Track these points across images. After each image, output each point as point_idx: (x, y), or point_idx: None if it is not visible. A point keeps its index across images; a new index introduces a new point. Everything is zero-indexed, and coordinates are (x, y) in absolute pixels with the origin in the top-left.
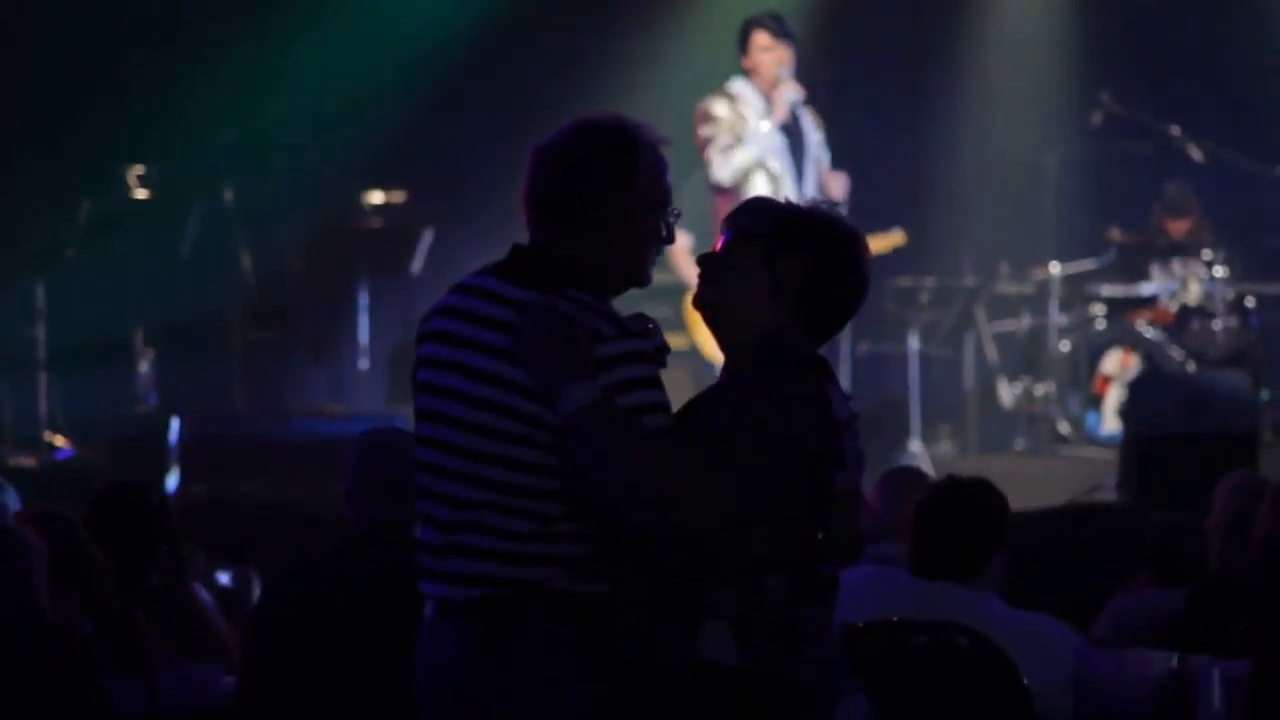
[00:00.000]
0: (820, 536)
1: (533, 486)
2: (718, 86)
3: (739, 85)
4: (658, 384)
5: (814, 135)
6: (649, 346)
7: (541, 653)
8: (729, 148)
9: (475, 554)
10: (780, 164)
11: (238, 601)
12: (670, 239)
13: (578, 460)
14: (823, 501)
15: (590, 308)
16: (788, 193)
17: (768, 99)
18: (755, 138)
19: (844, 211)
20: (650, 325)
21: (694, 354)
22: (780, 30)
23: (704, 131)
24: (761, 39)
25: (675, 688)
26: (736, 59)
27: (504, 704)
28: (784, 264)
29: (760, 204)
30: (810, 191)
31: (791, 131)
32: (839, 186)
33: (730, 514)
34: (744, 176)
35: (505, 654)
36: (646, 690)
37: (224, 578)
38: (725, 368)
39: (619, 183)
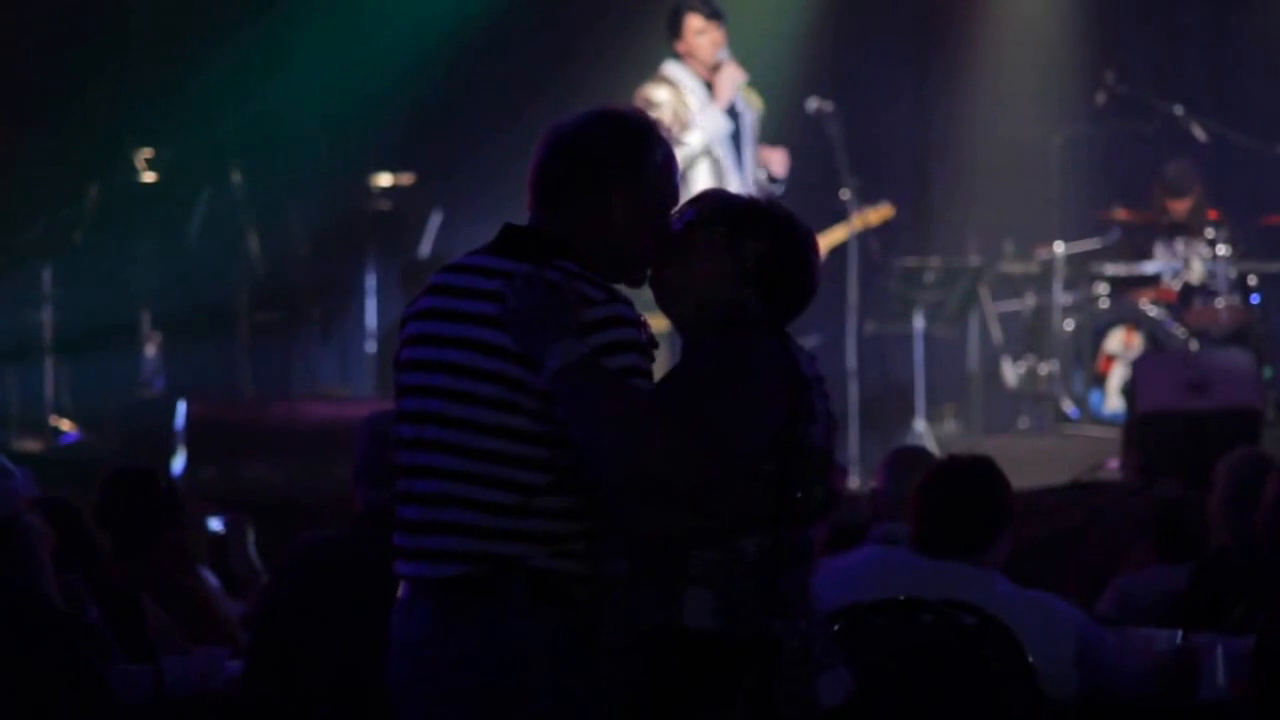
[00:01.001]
0: (798, 495)
1: (517, 454)
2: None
3: (675, 69)
4: (641, 349)
5: (749, 115)
6: (635, 314)
7: (520, 631)
8: (674, 136)
9: (456, 530)
10: (723, 151)
11: (230, 548)
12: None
13: (564, 417)
14: (798, 457)
15: (578, 275)
16: (731, 179)
17: (707, 83)
18: (701, 125)
19: (782, 189)
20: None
21: (673, 335)
22: (712, 11)
23: None
24: (695, 22)
25: (656, 655)
26: (667, 42)
27: (480, 683)
28: (746, 246)
29: (719, 191)
30: (750, 172)
31: (731, 115)
32: (779, 163)
33: (709, 469)
34: (690, 164)
35: (483, 633)
36: (624, 670)
37: (216, 524)
38: (684, 344)
39: (629, 173)
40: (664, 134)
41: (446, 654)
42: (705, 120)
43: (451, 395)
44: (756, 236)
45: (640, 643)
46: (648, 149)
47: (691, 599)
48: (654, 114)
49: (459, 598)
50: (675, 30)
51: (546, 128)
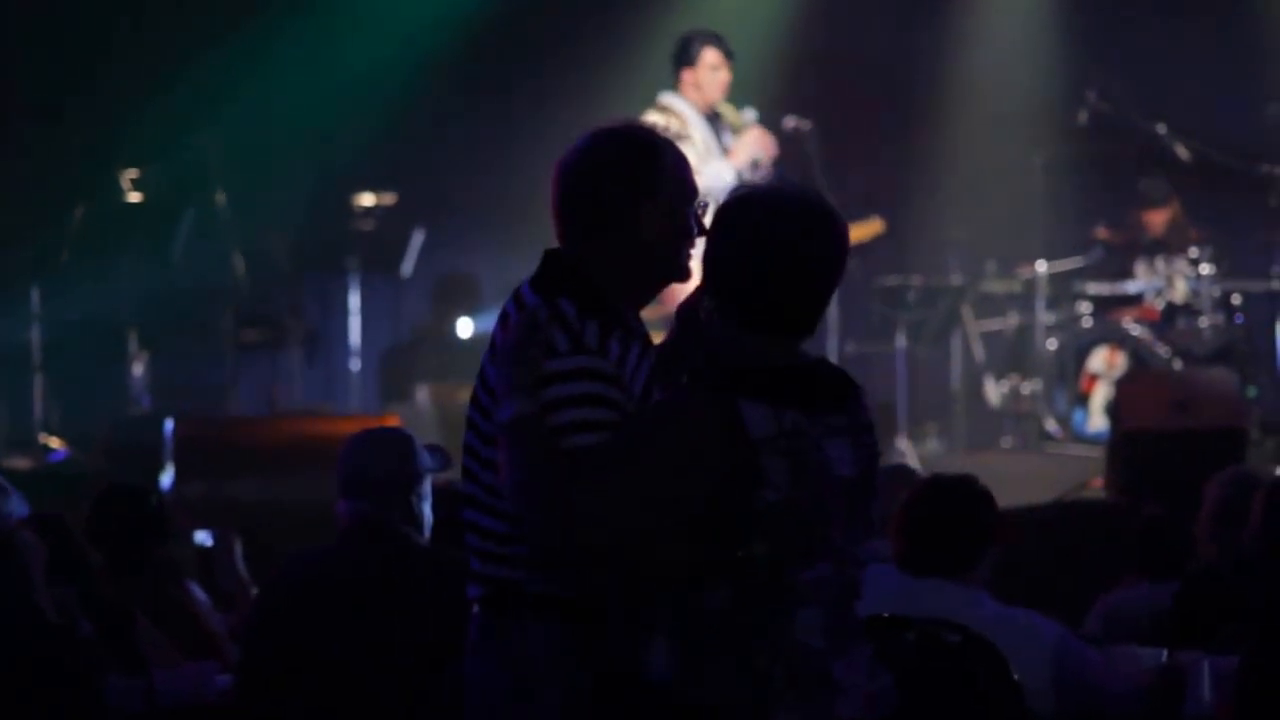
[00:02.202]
0: (740, 554)
1: (502, 486)
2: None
3: (675, 100)
4: (596, 401)
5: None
6: (601, 365)
7: (526, 653)
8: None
9: (473, 552)
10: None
11: (218, 562)
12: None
13: (501, 472)
14: (740, 520)
15: (560, 319)
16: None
17: (707, 117)
18: (703, 172)
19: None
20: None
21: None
22: (729, 51)
23: None
24: (712, 57)
25: (617, 703)
26: (671, 71)
27: (496, 699)
28: (709, 250)
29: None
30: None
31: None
32: (757, 147)
33: (623, 532)
34: None
35: (500, 650)
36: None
37: (204, 537)
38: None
39: (646, 185)
40: (665, 135)
41: (475, 667)
42: (708, 170)
43: (469, 425)
44: (720, 238)
45: (609, 687)
46: (657, 156)
47: (653, 650)
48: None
49: (484, 619)
50: (689, 59)
51: (554, 166)
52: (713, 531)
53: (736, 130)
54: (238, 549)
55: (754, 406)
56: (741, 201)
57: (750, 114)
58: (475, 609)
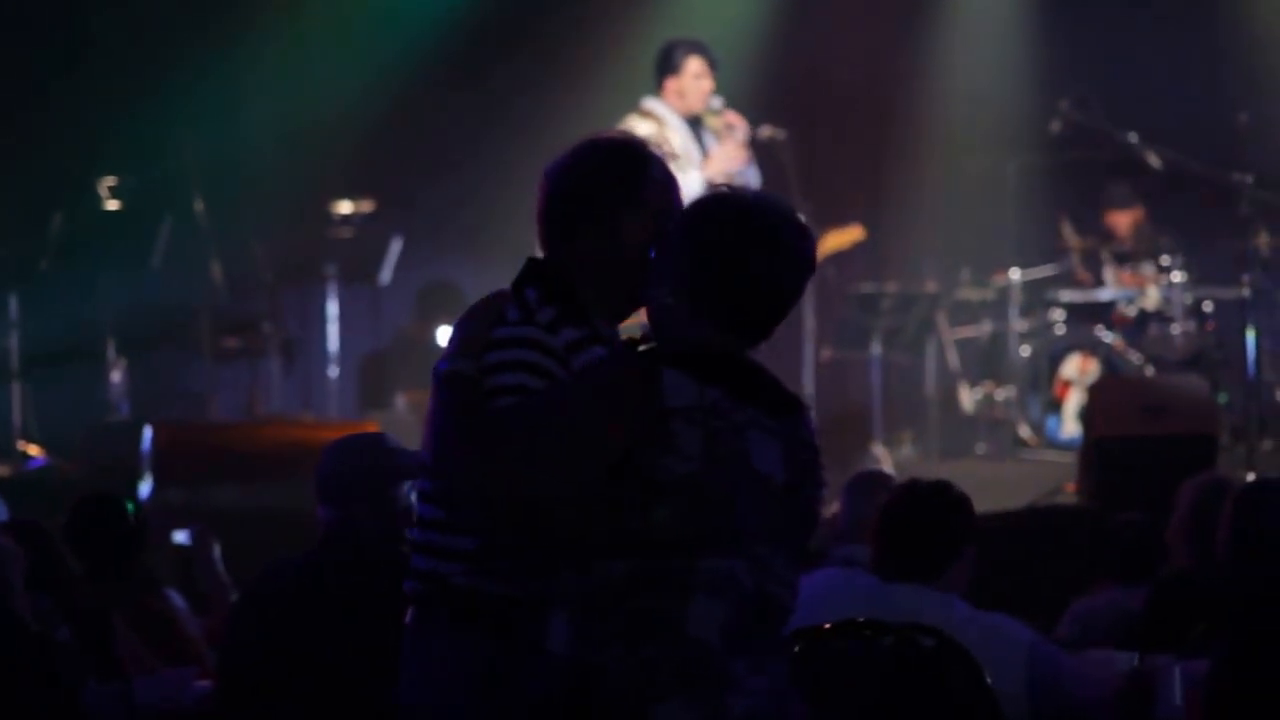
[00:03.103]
0: (641, 525)
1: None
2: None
3: (657, 105)
4: (533, 369)
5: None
6: (546, 339)
7: (444, 649)
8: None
9: (414, 546)
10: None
11: (196, 560)
12: None
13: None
14: (644, 486)
15: (519, 299)
16: None
17: (689, 122)
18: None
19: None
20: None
21: None
22: (713, 60)
23: None
24: (696, 65)
25: (542, 683)
26: (654, 77)
27: (419, 696)
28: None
29: None
30: None
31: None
32: (741, 159)
33: (539, 482)
34: None
35: (421, 647)
36: (528, 696)
37: (181, 536)
38: None
39: (631, 193)
40: (655, 150)
41: (408, 662)
42: (682, 180)
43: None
44: (681, 237)
45: (536, 670)
46: (643, 167)
47: (553, 623)
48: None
49: (416, 616)
50: (672, 67)
51: (541, 173)
52: (617, 496)
53: (717, 134)
54: (216, 549)
55: (677, 374)
56: (709, 204)
57: (718, 101)
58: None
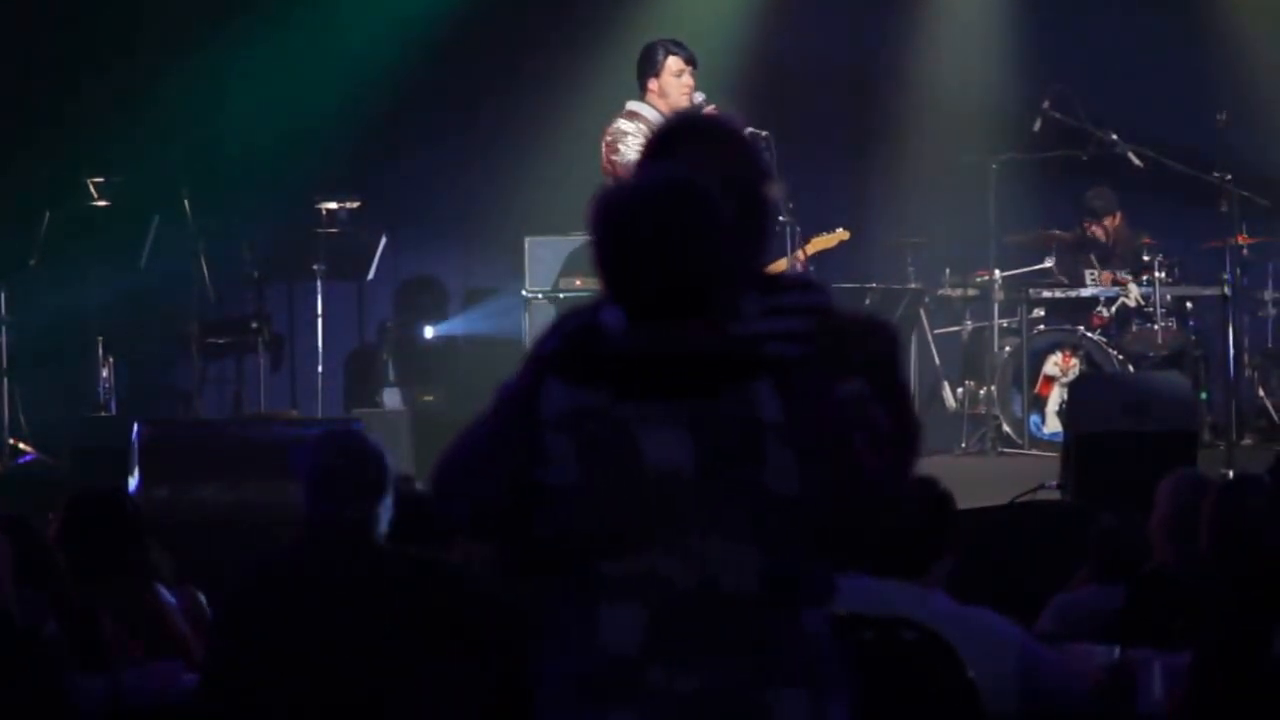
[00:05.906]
0: (533, 538)
1: None
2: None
3: (642, 107)
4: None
5: None
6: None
7: None
8: None
9: None
10: None
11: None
12: None
13: None
14: (528, 499)
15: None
16: None
17: None
18: None
19: None
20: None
21: None
22: (690, 57)
23: (616, 157)
24: (675, 64)
25: None
26: (637, 80)
27: None
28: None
29: None
30: None
31: None
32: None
33: (470, 502)
34: None
35: None
36: None
37: None
38: None
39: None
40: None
41: None
42: None
43: None
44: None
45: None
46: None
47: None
48: (625, 142)
49: None
50: (652, 68)
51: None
52: (514, 511)
53: None
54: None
55: (553, 383)
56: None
57: (701, 98)
58: None
